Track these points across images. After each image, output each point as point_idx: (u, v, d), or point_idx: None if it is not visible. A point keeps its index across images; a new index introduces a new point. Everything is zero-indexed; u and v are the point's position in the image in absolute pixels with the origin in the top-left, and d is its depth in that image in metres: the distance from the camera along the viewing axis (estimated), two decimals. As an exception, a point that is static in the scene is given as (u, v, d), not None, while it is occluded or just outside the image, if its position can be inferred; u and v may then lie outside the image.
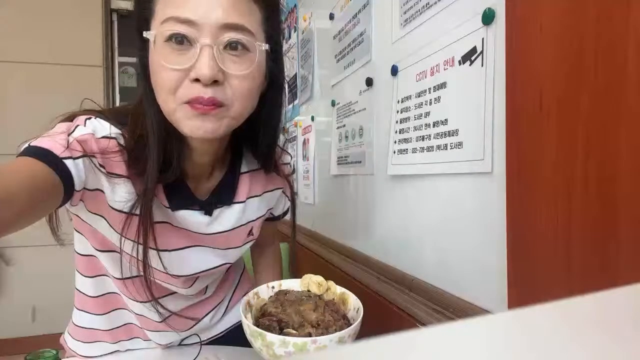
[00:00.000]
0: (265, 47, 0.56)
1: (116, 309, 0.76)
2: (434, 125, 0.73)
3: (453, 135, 0.67)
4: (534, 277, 0.49)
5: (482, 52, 0.61)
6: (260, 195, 0.76)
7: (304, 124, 1.54)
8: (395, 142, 0.85)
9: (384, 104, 0.91)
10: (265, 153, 0.70)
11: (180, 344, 0.83)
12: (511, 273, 0.52)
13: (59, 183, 0.49)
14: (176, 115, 0.54)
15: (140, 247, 0.60)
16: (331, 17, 1.24)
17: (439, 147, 0.71)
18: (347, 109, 1.12)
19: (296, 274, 1.38)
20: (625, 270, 0.38)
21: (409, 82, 0.81)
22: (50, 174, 0.48)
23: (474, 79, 0.63)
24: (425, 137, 0.75)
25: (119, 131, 0.59)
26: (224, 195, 0.71)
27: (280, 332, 0.56)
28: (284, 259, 1.08)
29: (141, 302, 0.71)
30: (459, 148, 0.66)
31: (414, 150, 0.78)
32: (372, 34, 0.97)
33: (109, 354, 0.79)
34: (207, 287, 0.81)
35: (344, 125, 1.14)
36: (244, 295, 0.64)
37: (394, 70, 0.86)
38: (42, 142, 0.51)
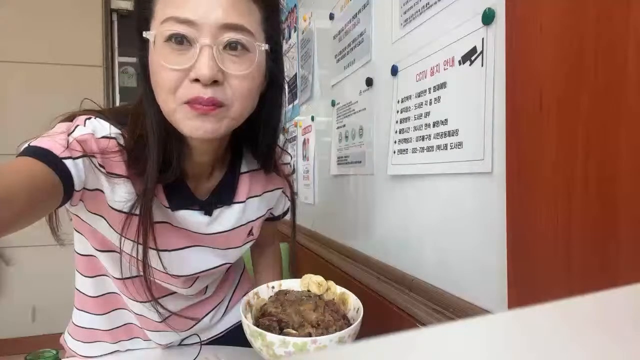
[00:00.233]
0: (265, 47, 0.56)
1: (116, 309, 0.76)
2: (434, 125, 0.73)
3: (453, 135, 0.67)
4: (534, 277, 0.49)
5: (482, 52, 0.61)
6: (260, 195, 0.76)
7: (304, 124, 1.54)
8: (395, 142, 0.85)
9: (384, 104, 0.91)
10: (265, 153, 0.70)
11: (180, 344, 0.83)
12: (511, 273, 0.52)
13: (59, 183, 0.49)
14: (176, 115, 0.54)
15: (140, 247, 0.60)
16: (331, 17, 1.24)
17: (439, 147, 0.71)
18: (347, 109, 1.12)
19: (296, 274, 1.38)
20: (625, 270, 0.38)
21: (409, 82, 0.81)
22: (49, 174, 0.48)
23: (474, 79, 0.63)
24: (425, 137, 0.75)
25: (119, 131, 0.59)
26: (223, 195, 0.71)
27: (280, 332, 0.56)
28: (284, 259, 1.08)
29: (141, 302, 0.71)
30: (459, 148, 0.66)
31: (414, 150, 0.78)
32: (372, 34, 0.97)
33: (109, 354, 0.79)
34: (207, 287, 0.81)
35: (344, 125, 1.14)
36: (244, 295, 0.64)
37: (394, 70, 0.86)
38: (41, 142, 0.51)
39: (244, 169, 0.73)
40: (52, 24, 2.49)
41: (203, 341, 0.84)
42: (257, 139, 0.67)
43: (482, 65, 0.61)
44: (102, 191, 0.58)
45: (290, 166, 0.83)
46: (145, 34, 0.54)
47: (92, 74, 2.56)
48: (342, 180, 1.18)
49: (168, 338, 0.80)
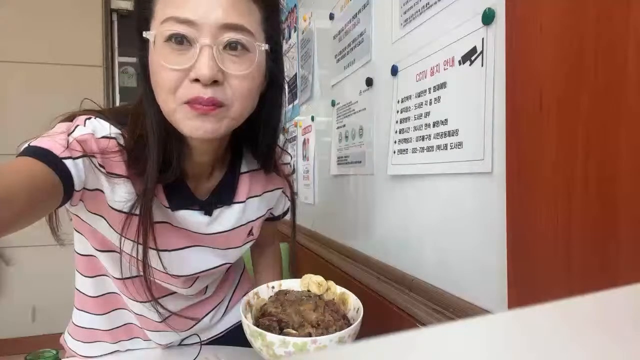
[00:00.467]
0: (265, 47, 0.56)
1: (116, 309, 0.76)
2: (434, 125, 0.73)
3: (453, 135, 0.67)
4: (534, 277, 0.49)
5: (482, 52, 0.61)
6: (260, 195, 0.76)
7: (304, 124, 1.54)
8: (395, 142, 0.85)
9: (384, 104, 0.91)
10: (265, 153, 0.70)
11: (180, 344, 0.83)
12: (511, 273, 0.52)
13: (59, 183, 0.49)
14: (176, 115, 0.54)
15: (140, 247, 0.60)
16: (331, 17, 1.24)
17: (439, 147, 0.71)
18: (347, 109, 1.12)
19: (296, 274, 1.38)
20: (625, 270, 0.38)
21: (409, 82, 0.81)
22: (49, 174, 0.48)
23: (474, 79, 0.63)
24: (425, 137, 0.75)
25: (119, 131, 0.59)
26: (223, 195, 0.71)
27: (280, 332, 0.56)
28: (284, 259, 1.08)
29: (141, 302, 0.71)
30: (459, 148, 0.66)
31: (414, 150, 0.78)
32: (372, 34, 0.97)
33: (109, 354, 0.79)
34: (207, 287, 0.81)
35: (344, 125, 1.14)
36: (244, 295, 0.64)
37: (394, 70, 0.86)
38: (41, 142, 0.51)
39: (244, 169, 0.73)
40: (52, 24, 2.49)
41: (203, 341, 0.84)
42: (257, 139, 0.67)
43: (482, 65, 0.61)
44: (102, 191, 0.58)
45: (290, 166, 0.83)
46: (145, 34, 0.54)
47: (92, 74, 2.56)
48: (342, 180, 1.18)
49: (168, 338, 0.80)
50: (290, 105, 1.73)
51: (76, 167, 0.52)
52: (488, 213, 0.61)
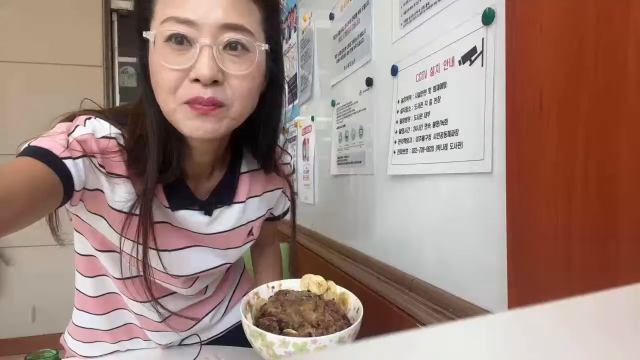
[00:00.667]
0: (265, 47, 0.56)
1: (116, 309, 0.76)
2: (434, 125, 0.73)
3: (453, 135, 0.67)
4: (534, 277, 0.49)
5: (482, 52, 0.61)
6: (260, 195, 0.76)
7: (304, 124, 1.54)
8: (395, 142, 0.85)
9: (384, 104, 0.91)
10: (265, 153, 0.70)
11: (180, 344, 0.83)
12: (511, 273, 0.52)
13: (59, 183, 0.49)
14: (176, 115, 0.54)
15: (140, 247, 0.60)
16: (331, 17, 1.24)
17: (439, 147, 0.71)
18: (347, 109, 1.12)
19: (296, 274, 1.38)
20: (625, 270, 0.38)
21: (409, 82, 0.81)
22: (49, 174, 0.48)
23: (474, 79, 0.63)
24: (425, 137, 0.75)
25: (119, 131, 0.59)
26: (223, 195, 0.71)
27: (280, 332, 0.56)
28: (284, 259, 1.08)
29: (141, 302, 0.71)
30: (459, 148, 0.66)
31: (414, 150, 0.78)
32: (372, 34, 0.97)
33: (109, 354, 0.79)
34: (207, 287, 0.81)
35: (344, 125, 1.14)
36: (244, 295, 0.64)
37: (394, 70, 0.86)
38: (41, 142, 0.51)
39: (244, 169, 0.73)
40: (52, 24, 2.49)
41: (203, 341, 0.84)
42: (257, 139, 0.67)
43: (482, 65, 0.61)
44: (102, 191, 0.58)
45: (290, 166, 0.83)
46: (145, 34, 0.54)
47: (92, 74, 2.56)
48: (342, 180, 1.18)
49: (168, 338, 0.80)
50: (290, 105, 1.73)
51: (76, 167, 0.52)
52: (488, 213, 0.61)
